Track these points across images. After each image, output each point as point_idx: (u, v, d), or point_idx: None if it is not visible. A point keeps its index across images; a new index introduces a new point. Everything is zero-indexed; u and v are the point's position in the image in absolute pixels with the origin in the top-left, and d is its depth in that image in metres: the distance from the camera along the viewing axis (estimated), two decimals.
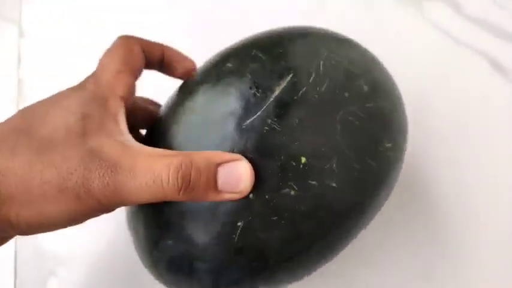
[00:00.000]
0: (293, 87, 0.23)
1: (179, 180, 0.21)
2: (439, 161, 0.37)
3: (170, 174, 0.21)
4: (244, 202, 0.22)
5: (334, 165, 0.22)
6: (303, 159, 0.22)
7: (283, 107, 0.22)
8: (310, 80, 0.23)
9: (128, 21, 0.45)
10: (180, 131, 0.24)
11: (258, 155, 0.22)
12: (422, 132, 0.37)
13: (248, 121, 0.22)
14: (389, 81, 0.27)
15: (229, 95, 0.23)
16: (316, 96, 0.23)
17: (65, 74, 0.40)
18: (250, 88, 0.23)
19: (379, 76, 0.26)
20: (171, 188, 0.21)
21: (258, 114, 0.22)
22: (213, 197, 0.22)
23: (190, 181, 0.21)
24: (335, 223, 0.23)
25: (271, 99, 0.23)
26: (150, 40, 0.28)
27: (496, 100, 0.39)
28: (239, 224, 0.22)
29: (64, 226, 0.21)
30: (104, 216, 0.22)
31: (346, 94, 0.23)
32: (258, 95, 0.23)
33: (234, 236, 0.22)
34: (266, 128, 0.22)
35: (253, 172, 0.22)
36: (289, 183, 0.22)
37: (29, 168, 0.20)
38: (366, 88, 0.24)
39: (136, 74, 0.27)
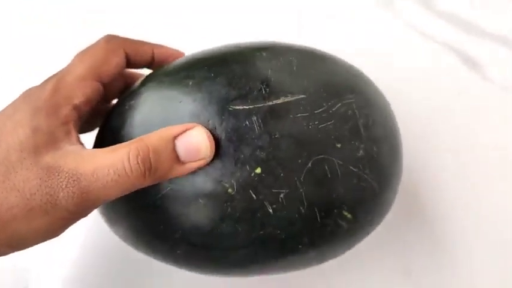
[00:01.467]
0: (289, 105, 0.23)
1: (141, 166, 0.21)
2: (415, 158, 0.37)
3: (130, 163, 0.21)
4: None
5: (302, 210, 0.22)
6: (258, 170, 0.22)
7: (272, 116, 0.22)
8: (316, 111, 0.23)
9: (125, 21, 0.45)
10: (143, 115, 0.24)
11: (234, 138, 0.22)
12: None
13: (238, 107, 0.22)
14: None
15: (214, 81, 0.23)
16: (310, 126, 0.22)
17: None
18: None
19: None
20: (136, 175, 0.21)
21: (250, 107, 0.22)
22: (180, 171, 0.22)
23: (151, 163, 0.21)
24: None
25: (269, 103, 0.22)
26: (139, 41, 0.28)
27: (471, 97, 0.39)
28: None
29: (42, 241, 0.22)
30: (74, 226, 0.23)
31: (339, 145, 0.23)
32: (255, 92, 0.23)
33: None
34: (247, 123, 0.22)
35: (209, 134, 0.22)
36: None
37: None
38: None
39: (104, 81, 0.26)
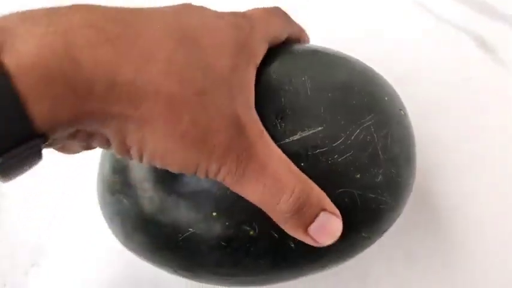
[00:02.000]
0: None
1: (292, 208, 0.21)
2: (426, 143, 0.36)
3: (290, 200, 0.20)
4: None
5: None
6: None
7: (291, 155, 0.21)
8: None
9: None
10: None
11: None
12: (410, 113, 0.36)
13: None
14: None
15: None
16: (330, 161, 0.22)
17: None
18: None
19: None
20: (281, 209, 0.21)
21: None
22: (298, 233, 0.22)
23: (298, 212, 0.21)
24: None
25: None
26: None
27: (483, 79, 0.39)
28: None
29: (175, 170, 0.20)
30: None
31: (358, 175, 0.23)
32: None
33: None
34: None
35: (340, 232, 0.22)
36: None
37: (174, 69, 0.19)
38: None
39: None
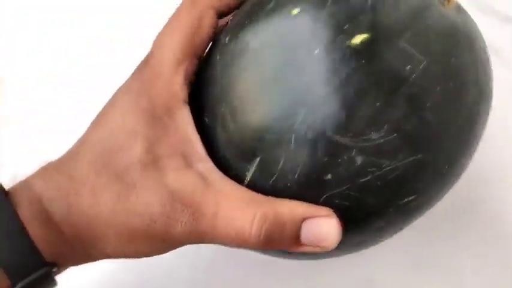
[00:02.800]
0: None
1: (262, 235, 0.20)
2: None
3: (253, 229, 0.20)
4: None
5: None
6: None
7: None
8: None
9: (122, 11, 0.43)
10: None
11: None
12: None
13: None
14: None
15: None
16: None
17: (50, 68, 0.39)
18: None
19: None
20: (253, 241, 0.20)
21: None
22: (294, 249, 0.21)
23: (272, 236, 0.20)
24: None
25: None
26: None
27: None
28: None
29: (145, 257, 0.22)
30: None
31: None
32: None
33: None
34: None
35: (340, 228, 0.20)
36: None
37: (113, 216, 0.21)
38: None
39: (200, 55, 0.23)
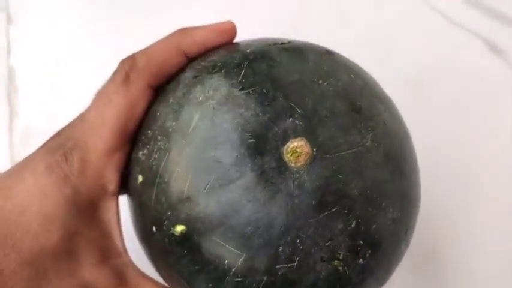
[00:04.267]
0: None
1: None
2: (439, 141, 0.36)
3: None
4: None
5: None
6: None
7: None
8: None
9: (130, 2, 0.42)
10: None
11: None
12: (421, 116, 0.36)
13: None
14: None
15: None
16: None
17: (59, 62, 0.40)
18: None
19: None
20: None
21: None
22: None
23: None
24: None
25: None
26: (166, 53, 0.22)
27: (493, 83, 0.38)
28: None
29: None
30: None
31: None
32: None
33: None
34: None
35: None
36: None
37: None
38: None
39: (132, 136, 0.22)
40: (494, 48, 0.40)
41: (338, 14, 0.42)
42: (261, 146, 0.19)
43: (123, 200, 0.23)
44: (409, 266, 0.33)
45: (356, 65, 0.23)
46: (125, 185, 0.22)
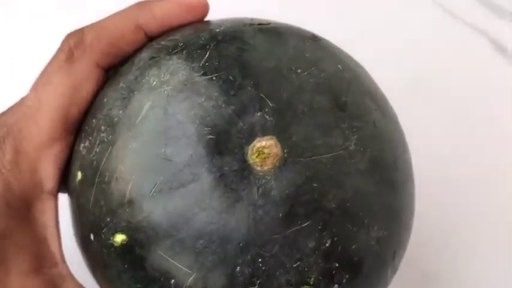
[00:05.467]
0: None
1: None
2: (439, 142, 0.34)
3: None
4: None
5: None
6: None
7: None
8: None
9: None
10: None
11: None
12: (422, 118, 0.34)
13: None
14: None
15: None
16: None
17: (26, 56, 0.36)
18: None
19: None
20: None
21: None
22: None
23: None
24: None
25: None
26: (118, 30, 0.19)
27: (497, 82, 0.37)
28: None
29: None
30: None
31: None
32: None
33: None
34: None
35: None
36: None
37: None
38: None
39: (76, 125, 0.19)
40: (500, 48, 0.38)
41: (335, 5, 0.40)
42: (221, 144, 0.16)
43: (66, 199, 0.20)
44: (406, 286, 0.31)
45: (346, 55, 0.20)
46: (66, 182, 0.19)
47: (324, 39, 0.20)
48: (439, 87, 0.36)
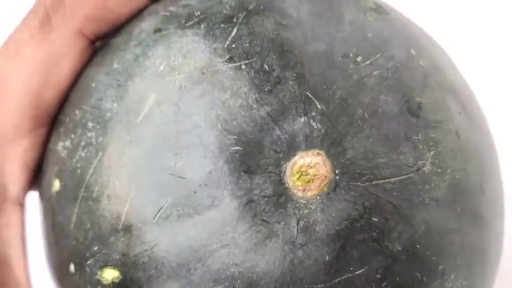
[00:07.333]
0: None
1: None
2: None
3: None
4: None
5: None
6: None
7: None
8: None
9: None
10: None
11: None
12: None
13: None
14: None
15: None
16: None
17: None
18: None
19: None
20: None
21: None
22: None
23: None
24: None
25: None
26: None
27: None
28: None
29: None
30: None
31: None
32: None
33: None
34: None
35: None
36: None
37: None
38: None
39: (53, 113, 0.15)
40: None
41: None
42: (250, 159, 0.12)
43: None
44: None
45: (420, 31, 0.16)
46: (37, 187, 0.16)
47: (392, 10, 0.15)
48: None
